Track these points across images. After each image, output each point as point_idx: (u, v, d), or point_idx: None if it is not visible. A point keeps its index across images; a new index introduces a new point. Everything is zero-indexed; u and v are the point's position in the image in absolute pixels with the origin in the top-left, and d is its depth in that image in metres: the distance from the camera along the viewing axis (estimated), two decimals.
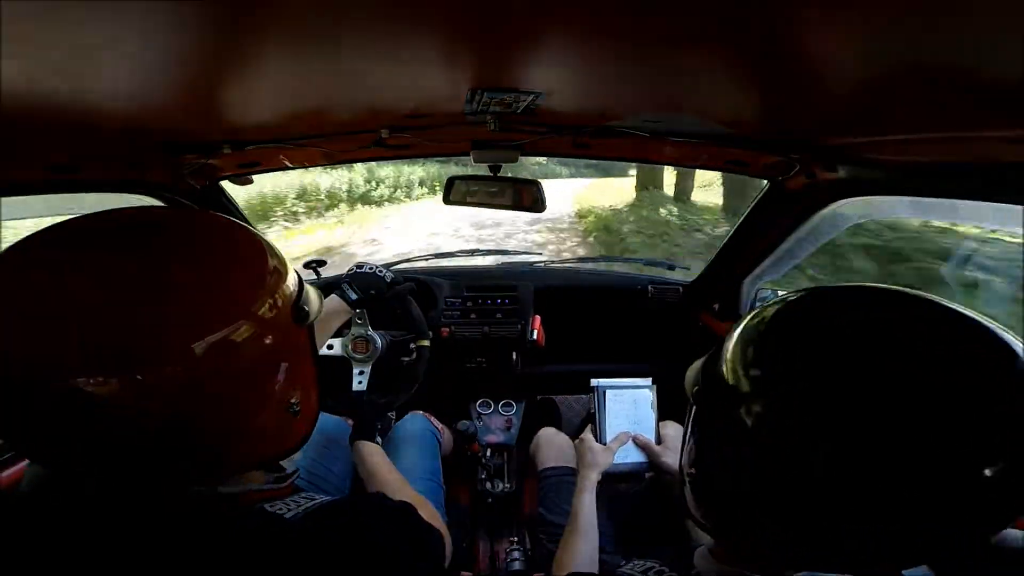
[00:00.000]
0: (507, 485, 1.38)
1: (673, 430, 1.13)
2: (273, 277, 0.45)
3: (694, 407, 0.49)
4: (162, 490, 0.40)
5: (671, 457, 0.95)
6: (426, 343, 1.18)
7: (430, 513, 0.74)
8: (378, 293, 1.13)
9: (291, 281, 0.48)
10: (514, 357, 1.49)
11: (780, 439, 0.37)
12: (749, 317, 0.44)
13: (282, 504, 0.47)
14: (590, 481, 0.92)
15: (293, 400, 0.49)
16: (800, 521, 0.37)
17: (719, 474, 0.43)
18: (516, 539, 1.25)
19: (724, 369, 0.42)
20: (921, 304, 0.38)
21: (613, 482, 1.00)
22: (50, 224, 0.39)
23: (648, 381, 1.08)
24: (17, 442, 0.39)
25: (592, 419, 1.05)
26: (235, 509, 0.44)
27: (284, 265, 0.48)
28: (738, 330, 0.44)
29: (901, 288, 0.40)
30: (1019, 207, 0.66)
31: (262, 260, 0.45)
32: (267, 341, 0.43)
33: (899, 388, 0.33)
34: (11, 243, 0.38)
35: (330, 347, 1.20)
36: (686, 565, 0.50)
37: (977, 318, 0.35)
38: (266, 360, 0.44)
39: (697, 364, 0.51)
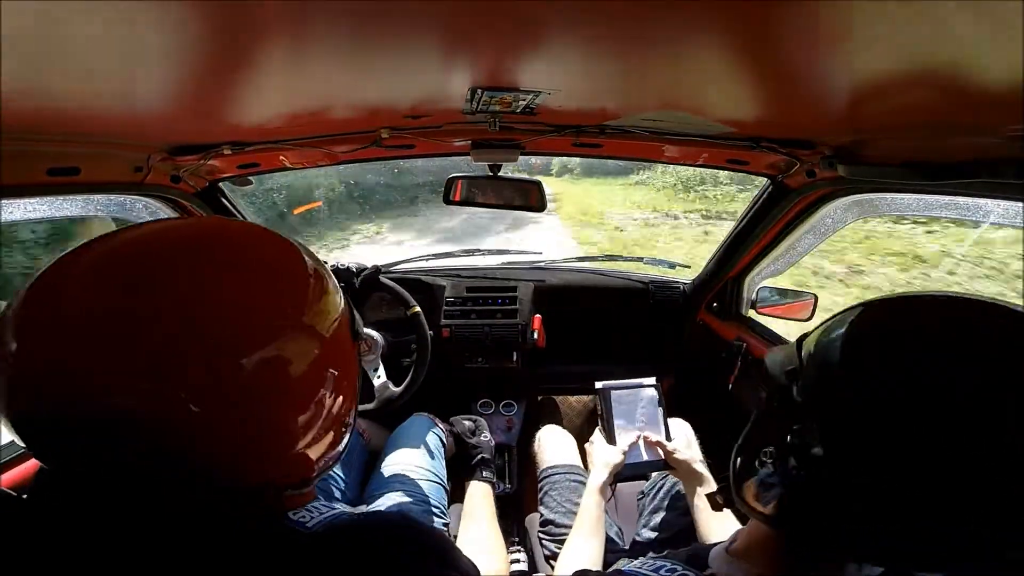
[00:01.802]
0: (508, 485, 1.38)
1: (680, 426, 1.13)
2: (317, 289, 0.43)
3: (771, 394, 0.47)
4: (186, 496, 0.39)
5: (684, 454, 0.95)
6: (417, 309, 1.21)
7: (497, 569, 0.71)
8: (348, 285, 1.15)
9: (338, 296, 0.46)
10: (515, 357, 1.49)
11: (872, 439, 0.36)
12: (824, 333, 0.44)
13: (304, 512, 0.45)
14: (600, 482, 0.91)
15: (348, 420, 0.48)
16: (886, 517, 0.37)
17: (801, 465, 0.42)
18: (517, 539, 1.24)
19: (814, 365, 0.42)
20: (1009, 314, 0.38)
21: (625, 481, 1.00)
22: (87, 240, 0.38)
23: (652, 379, 1.08)
24: (45, 451, 0.37)
25: (599, 421, 1.05)
26: (257, 512, 0.43)
27: (328, 277, 0.46)
28: (832, 328, 0.43)
29: (991, 298, 0.40)
30: (1020, 204, 0.66)
31: (304, 274, 0.43)
32: (322, 357, 0.42)
33: (988, 395, 0.33)
34: (59, 256, 0.37)
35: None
36: (700, 564, 0.49)
37: None
38: (321, 376, 0.43)
39: (784, 350, 0.49)
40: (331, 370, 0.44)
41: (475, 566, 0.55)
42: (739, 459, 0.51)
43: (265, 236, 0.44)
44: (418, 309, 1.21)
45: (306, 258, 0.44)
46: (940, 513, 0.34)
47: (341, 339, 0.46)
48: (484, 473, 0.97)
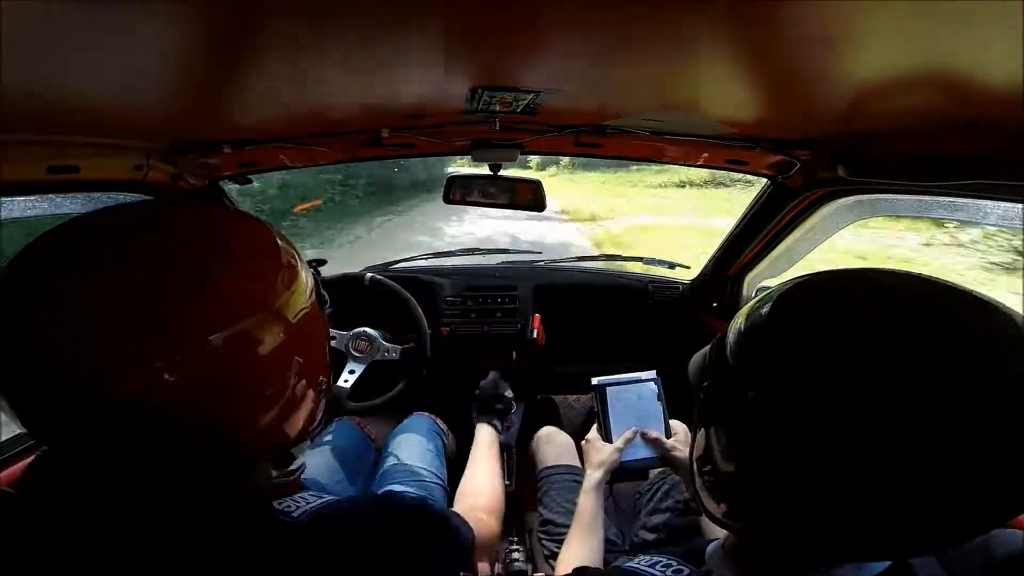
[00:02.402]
0: (507, 485, 1.38)
1: (677, 427, 1.13)
2: (288, 268, 0.46)
3: (701, 399, 0.48)
4: (169, 483, 0.40)
5: (683, 451, 0.93)
6: (370, 275, 1.30)
7: (488, 507, 0.77)
8: None
9: (304, 270, 0.49)
10: (514, 356, 1.49)
11: (790, 431, 0.36)
12: (753, 305, 0.43)
13: (290, 501, 0.46)
14: (596, 480, 0.91)
15: (322, 378, 0.50)
16: (815, 514, 0.37)
17: (730, 468, 0.42)
18: (516, 539, 1.24)
19: (730, 360, 0.42)
20: (934, 287, 0.37)
21: (622, 479, 0.99)
22: (63, 223, 0.40)
23: (652, 373, 1.04)
24: (37, 431, 0.38)
25: (596, 418, 1.03)
26: (241, 505, 0.44)
27: (297, 256, 0.49)
28: (743, 318, 0.43)
29: (909, 271, 0.40)
30: (1020, 205, 0.66)
31: (276, 252, 0.46)
32: (289, 335, 0.44)
33: (910, 374, 0.33)
34: (29, 242, 0.38)
35: (352, 371, 1.27)
36: (697, 561, 0.50)
37: (983, 297, 0.35)
38: (290, 352, 0.44)
39: (701, 355, 0.50)
40: (297, 353, 0.46)
41: (470, 528, 0.58)
42: (695, 460, 0.51)
43: (245, 223, 0.47)
44: (371, 275, 1.27)
45: (281, 243, 0.47)
46: (908, 511, 0.33)
47: (310, 315, 0.48)
48: (494, 421, 1.05)
